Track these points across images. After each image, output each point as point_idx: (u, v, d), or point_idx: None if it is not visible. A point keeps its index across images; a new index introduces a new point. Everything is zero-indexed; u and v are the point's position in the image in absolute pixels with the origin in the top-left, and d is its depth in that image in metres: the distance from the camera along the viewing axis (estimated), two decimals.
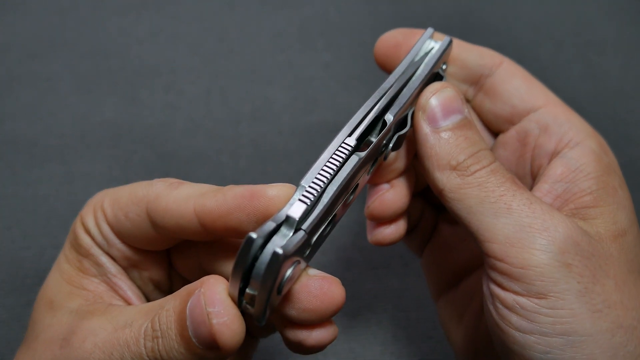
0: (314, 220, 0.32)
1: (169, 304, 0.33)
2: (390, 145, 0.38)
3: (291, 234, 0.31)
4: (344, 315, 0.54)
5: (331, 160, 0.33)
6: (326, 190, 0.32)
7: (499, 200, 0.35)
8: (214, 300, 0.31)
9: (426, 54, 0.40)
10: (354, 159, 0.34)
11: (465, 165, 0.36)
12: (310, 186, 0.32)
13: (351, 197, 0.35)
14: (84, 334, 0.34)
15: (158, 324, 0.33)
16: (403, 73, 0.38)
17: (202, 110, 0.65)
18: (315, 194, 0.32)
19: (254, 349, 0.43)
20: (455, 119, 0.37)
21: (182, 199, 0.35)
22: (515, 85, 0.41)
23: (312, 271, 0.33)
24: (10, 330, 0.53)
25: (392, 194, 0.41)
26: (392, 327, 0.54)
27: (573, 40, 0.70)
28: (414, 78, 0.39)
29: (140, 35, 0.70)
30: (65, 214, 0.59)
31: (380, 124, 0.37)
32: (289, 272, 0.31)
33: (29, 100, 0.66)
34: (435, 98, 0.37)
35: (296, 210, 0.31)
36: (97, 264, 0.38)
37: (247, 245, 0.30)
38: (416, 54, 0.40)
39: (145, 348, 0.33)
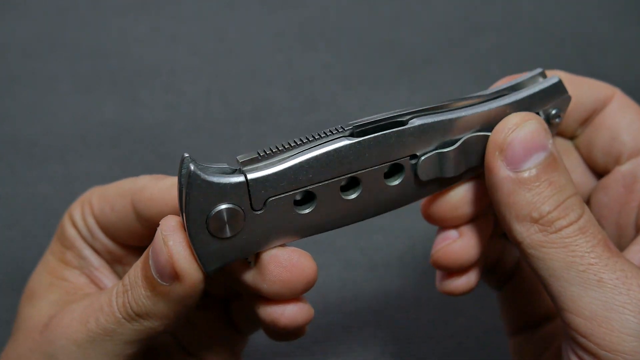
0: (262, 173, 0.31)
1: (137, 261, 0.34)
2: (423, 158, 0.33)
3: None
4: (344, 315, 0.54)
5: (314, 135, 0.32)
6: (294, 156, 0.32)
7: (589, 270, 0.30)
8: (169, 227, 0.32)
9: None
10: (342, 141, 0.32)
11: (549, 219, 0.31)
12: (276, 146, 0.32)
13: (352, 194, 0.33)
14: (63, 314, 0.35)
15: (127, 280, 0.33)
16: (482, 95, 0.34)
17: (202, 110, 0.65)
18: (274, 151, 0.31)
19: (242, 346, 0.43)
20: (538, 158, 0.32)
21: (167, 187, 0.35)
22: (628, 120, 0.37)
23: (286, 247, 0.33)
24: (10, 330, 0.53)
25: (460, 245, 0.37)
26: (392, 327, 0.54)
27: (573, 40, 0.70)
28: (490, 102, 0.34)
29: (140, 35, 0.70)
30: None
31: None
32: (218, 207, 0.31)
33: (29, 100, 0.66)
34: (515, 134, 0.32)
35: (244, 156, 0.31)
36: (80, 257, 0.39)
37: (180, 162, 0.30)
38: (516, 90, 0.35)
39: (117, 305, 0.33)
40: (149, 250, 0.33)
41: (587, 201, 0.39)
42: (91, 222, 0.38)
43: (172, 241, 0.31)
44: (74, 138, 0.63)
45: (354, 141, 0.32)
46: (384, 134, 0.33)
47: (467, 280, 0.38)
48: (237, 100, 0.66)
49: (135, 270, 0.33)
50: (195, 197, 0.30)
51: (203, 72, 0.68)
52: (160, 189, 0.36)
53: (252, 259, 0.33)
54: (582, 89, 0.37)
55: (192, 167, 0.30)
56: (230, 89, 0.67)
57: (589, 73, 0.68)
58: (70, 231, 0.39)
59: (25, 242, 0.57)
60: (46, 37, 0.70)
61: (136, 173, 0.63)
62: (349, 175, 0.33)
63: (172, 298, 0.32)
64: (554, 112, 0.35)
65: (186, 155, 0.31)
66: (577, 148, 0.39)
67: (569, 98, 0.35)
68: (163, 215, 0.35)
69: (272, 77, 0.68)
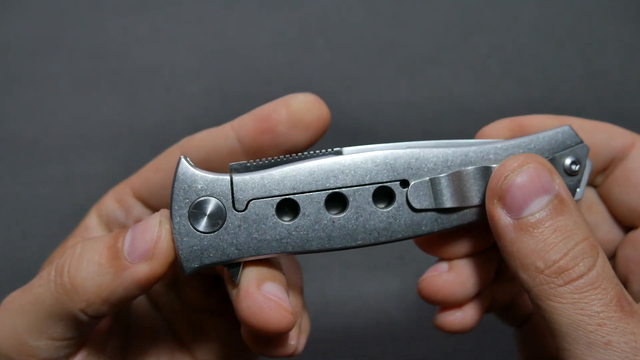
0: (248, 175, 0.32)
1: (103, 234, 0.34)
2: (414, 182, 0.33)
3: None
4: (344, 315, 0.54)
5: (306, 152, 0.34)
6: (281, 166, 0.33)
7: (597, 331, 0.28)
8: (168, 214, 0.32)
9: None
10: (329, 156, 0.33)
11: (555, 269, 0.29)
12: (267, 159, 0.33)
13: (340, 214, 0.33)
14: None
15: (80, 247, 0.33)
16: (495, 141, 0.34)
17: (202, 110, 0.65)
18: (264, 162, 0.33)
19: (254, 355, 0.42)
20: (541, 202, 0.30)
21: (216, 132, 0.36)
22: None
23: (267, 286, 0.32)
24: None
25: (446, 279, 0.36)
26: (392, 327, 0.54)
27: (573, 40, 0.70)
28: (492, 143, 0.34)
29: (140, 35, 0.70)
30: (65, 214, 0.59)
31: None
32: (200, 198, 0.32)
33: (29, 100, 0.66)
34: (512, 180, 0.30)
35: (235, 163, 0.33)
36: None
37: (177, 164, 0.32)
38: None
39: (54, 267, 0.33)
40: (131, 227, 0.32)
41: (613, 254, 0.38)
42: (127, 195, 0.39)
43: (167, 226, 0.32)
44: (74, 138, 0.63)
45: (340, 157, 0.33)
46: (372, 153, 0.33)
47: (461, 317, 0.37)
48: (237, 100, 0.66)
49: (96, 240, 0.33)
50: (180, 185, 0.32)
51: (203, 72, 0.68)
52: (210, 132, 0.36)
53: (235, 273, 0.33)
54: (598, 137, 0.36)
55: (182, 158, 0.32)
56: (230, 89, 0.67)
57: (589, 73, 0.68)
58: (92, 221, 0.40)
59: (25, 242, 0.57)
60: (46, 37, 0.70)
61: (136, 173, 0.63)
62: (334, 190, 0.33)
63: (121, 277, 0.31)
64: (569, 160, 0.34)
65: (183, 155, 0.33)
66: (601, 197, 0.37)
67: (585, 147, 0.34)
68: (215, 150, 0.36)
69: (272, 77, 0.68)
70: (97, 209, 0.40)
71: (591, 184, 0.37)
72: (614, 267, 0.37)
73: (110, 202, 0.40)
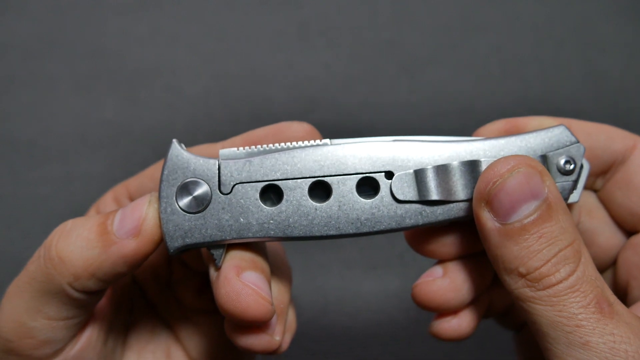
0: (235, 161, 0.33)
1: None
2: (398, 173, 0.33)
3: None
4: (344, 315, 0.54)
5: (294, 143, 0.34)
6: (268, 153, 0.34)
7: (575, 332, 0.29)
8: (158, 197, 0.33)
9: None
10: (315, 146, 0.34)
11: (536, 276, 0.29)
12: (257, 146, 0.34)
13: (322, 202, 0.33)
14: None
15: (70, 223, 0.34)
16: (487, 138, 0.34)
17: (202, 110, 0.65)
18: (254, 151, 0.34)
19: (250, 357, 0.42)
20: (529, 208, 0.30)
21: (213, 145, 0.37)
22: None
23: (247, 274, 0.32)
24: None
25: (440, 285, 0.35)
26: (392, 327, 0.54)
27: (573, 40, 0.70)
28: (482, 140, 0.33)
29: (140, 35, 0.70)
30: (65, 214, 0.59)
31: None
32: (188, 179, 0.33)
33: (28, 100, 0.66)
34: (501, 185, 0.30)
35: (226, 149, 0.34)
36: None
37: (170, 146, 0.33)
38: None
39: (46, 244, 0.33)
40: (121, 207, 0.33)
41: (615, 259, 0.37)
42: (123, 197, 0.39)
43: (155, 205, 0.32)
44: (74, 138, 0.63)
45: (326, 146, 0.33)
46: (358, 145, 0.33)
47: (457, 324, 0.36)
48: (237, 100, 0.66)
49: (87, 218, 0.33)
50: (170, 166, 0.33)
51: (203, 72, 0.68)
52: (205, 148, 0.37)
53: (218, 256, 0.33)
54: (598, 139, 0.35)
55: (174, 141, 0.33)
56: (230, 89, 0.67)
57: (589, 73, 0.68)
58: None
59: (25, 242, 0.57)
60: (46, 37, 0.70)
61: (136, 173, 0.63)
62: (318, 178, 0.33)
63: (109, 252, 0.32)
64: (562, 160, 0.33)
65: (175, 139, 0.34)
66: (602, 202, 0.37)
67: (580, 146, 0.33)
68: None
69: (272, 77, 0.68)
70: (96, 206, 0.41)
71: (591, 188, 0.37)
72: (615, 271, 0.37)
73: (109, 201, 0.40)
